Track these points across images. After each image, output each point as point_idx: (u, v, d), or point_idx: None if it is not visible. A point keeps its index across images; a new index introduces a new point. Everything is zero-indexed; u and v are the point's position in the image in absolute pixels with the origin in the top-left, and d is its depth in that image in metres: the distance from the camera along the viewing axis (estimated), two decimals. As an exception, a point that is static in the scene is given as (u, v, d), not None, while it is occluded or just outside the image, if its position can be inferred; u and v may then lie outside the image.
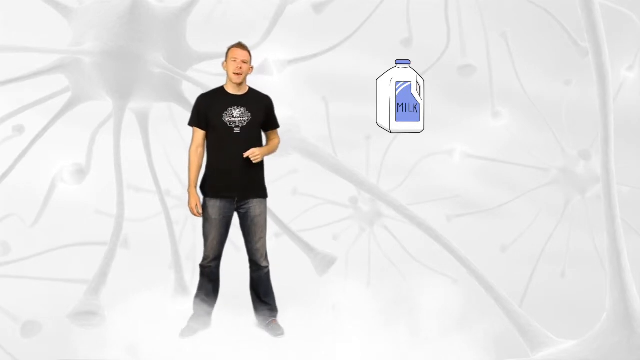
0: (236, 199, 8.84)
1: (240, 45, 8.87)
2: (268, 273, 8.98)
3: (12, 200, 13.89)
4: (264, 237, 8.95)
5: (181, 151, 17.38)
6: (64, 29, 11.24)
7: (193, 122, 8.90)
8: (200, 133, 8.85)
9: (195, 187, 8.83)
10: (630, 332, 9.25)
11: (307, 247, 10.91)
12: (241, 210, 8.88)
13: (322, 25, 14.71)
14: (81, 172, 12.55)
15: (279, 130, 9.07)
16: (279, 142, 9.04)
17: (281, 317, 8.98)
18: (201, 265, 8.98)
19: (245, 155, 8.71)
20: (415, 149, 18.02)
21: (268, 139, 9.01)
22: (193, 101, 11.23)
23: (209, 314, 9.00)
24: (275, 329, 8.86)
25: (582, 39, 15.07)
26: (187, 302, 10.92)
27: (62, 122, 11.12)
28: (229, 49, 8.88)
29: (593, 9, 9.50)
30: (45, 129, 11.07)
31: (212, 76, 11.75)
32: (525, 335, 10.01)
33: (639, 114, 16.44)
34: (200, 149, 8.84)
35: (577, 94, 17.37)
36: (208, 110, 8.82)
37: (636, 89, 16.15)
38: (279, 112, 9.54)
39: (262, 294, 8.92)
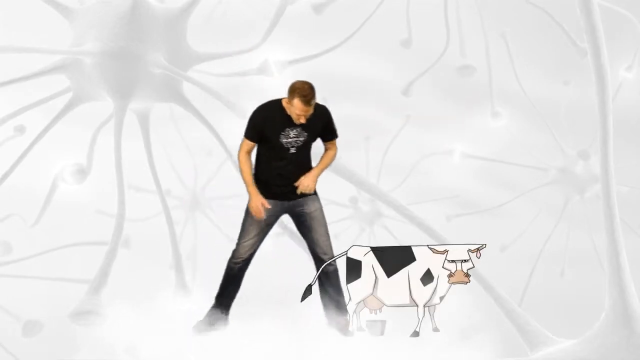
0: (287, 201, 8.76)
1: (309, 103, 8.55)
2: (336, 271, 8.88)
3: (13, 200, 13.90)
4: (326, 233, 8.89)
5: (181, 151, 17.46)
6: (64, 30, 11.26)
7: (248, 136, 8.71)
8: (252, 145, 8.71)
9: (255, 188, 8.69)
10: (629, 332, 9.28)
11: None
12: (296, 210, 8.80)
13: (322, 26, 14.74)
14: (82, 172, 12.57)
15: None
16: (335, 153, 8.89)
17: (281, 316, 8.99)
18: (230, 263, 8.89)
19: (299, 190, 8.67)
20: (415, 149, 18.05)
21: (324, 148, 8.88)
22: (193, 101, 11.33)
23: (228, 311, 8.95)
24: (344, 327, 8.82)
25: (581, 39, 15.11)
26: (187, 302, 10.96)
27: (63, 123, 11.14)
28: (295, 94, 8.52)
29: (592, 9, 9.54)
30: (46, 129, 11.09)
31: (212, 76, 11.79)
32: (524, 334, 10.04)
33: (637, 114, 16.46)
34: (249, 155, 8.73)
35: (576, 94, 17.39)
36: (264, 127, 8.65)
37: (635, 89, 16.19)
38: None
39: (332, 292, 8.86)
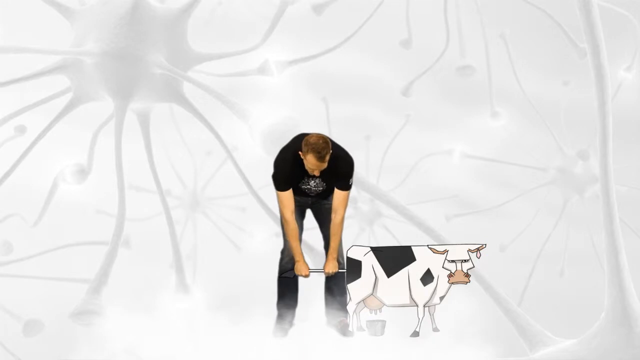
0: (311, 198, 8.86)
1: (323, 159, 8.45)
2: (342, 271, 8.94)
3: (14, 200, 13.92)
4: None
5: (181, 151, 17.48)
6: (65, 30, 11.28)
7: (281, 188, 8.67)
8: (290, 197, 8.67)
9: (302, 255, 8.80)
10: (628, 331, 9.31)
11: (307, 247, 10.94)
12: (317, 202, 8.87)
13: (322, 26, 14.75)
14: (83, 172, 12.56)
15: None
16: (341, 219, 8.83)
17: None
18: (280, 271, 8.94)
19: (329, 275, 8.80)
20: (415, 149, 18.07)
21: (332, 204, 8.77)
22: (194, 102, 11.34)
23: (293, 314, 9.00)
24: (344, 328, 8.86)
25: (580, 39, 15.11)
26: (187, 302, 10.98)
27: (64, 123, 11.16)
28: (309, 149, 8.43)
29: (591, 10, 9.56)
30: (47, 129, 11.10)
31: (212, 77, 11.80)
32: (524, 334, 10.06)
33: (637, 114, 16.48)
34: (294, 215, 8.71)
35: (576, 94, 17.41)
36: (290, 175, 8.64)
37: (634, 89, 16.20)
38: (279, 113, 9.56)
39: (336, 291, 8.90)
